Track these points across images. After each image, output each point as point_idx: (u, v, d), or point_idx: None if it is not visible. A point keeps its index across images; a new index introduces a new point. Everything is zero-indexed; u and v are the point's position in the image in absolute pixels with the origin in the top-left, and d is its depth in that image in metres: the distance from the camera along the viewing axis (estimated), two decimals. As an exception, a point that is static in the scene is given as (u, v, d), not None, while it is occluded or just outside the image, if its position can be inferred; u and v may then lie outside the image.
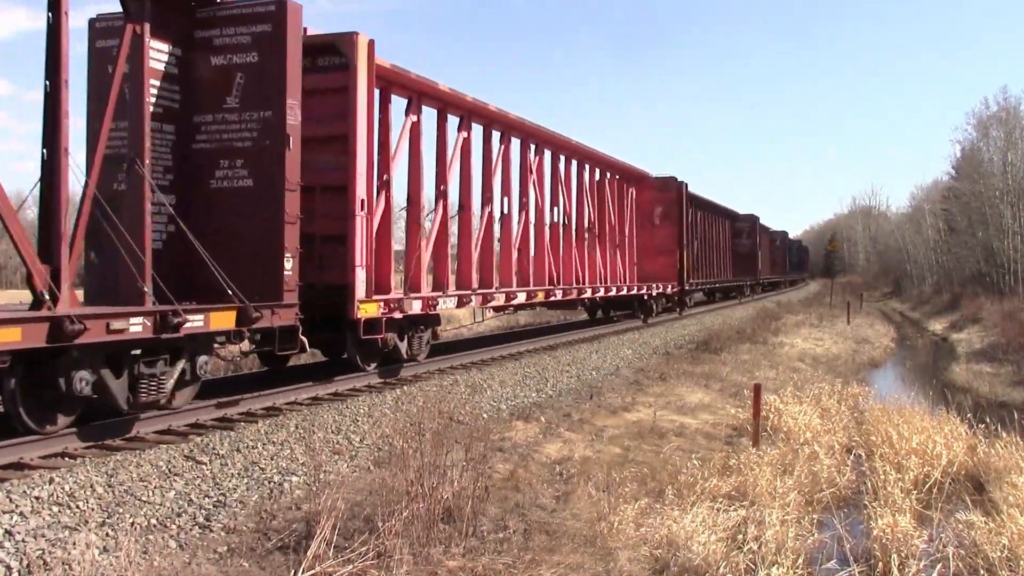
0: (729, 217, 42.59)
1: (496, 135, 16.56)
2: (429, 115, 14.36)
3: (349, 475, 7.90)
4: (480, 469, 7.28)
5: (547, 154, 19.13)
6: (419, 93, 13.58)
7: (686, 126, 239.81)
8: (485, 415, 10.81)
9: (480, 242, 16.03)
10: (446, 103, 14.59)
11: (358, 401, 10.78)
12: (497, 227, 17.00)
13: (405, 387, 12.05)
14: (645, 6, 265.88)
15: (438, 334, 14.29)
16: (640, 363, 17.71)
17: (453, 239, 15.44)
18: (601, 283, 22.19)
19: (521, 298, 17.08)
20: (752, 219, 47.60)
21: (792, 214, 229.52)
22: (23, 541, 5.65)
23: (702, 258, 33.53)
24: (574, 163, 21.01)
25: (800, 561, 6.88)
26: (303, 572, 5.47)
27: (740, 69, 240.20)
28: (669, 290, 26.86)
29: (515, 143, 17.55)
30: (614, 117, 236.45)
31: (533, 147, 18.39)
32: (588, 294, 20.70)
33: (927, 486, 9.30)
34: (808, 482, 9.42)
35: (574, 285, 20.00)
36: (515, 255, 17.36)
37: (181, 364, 8.78)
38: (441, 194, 14.69)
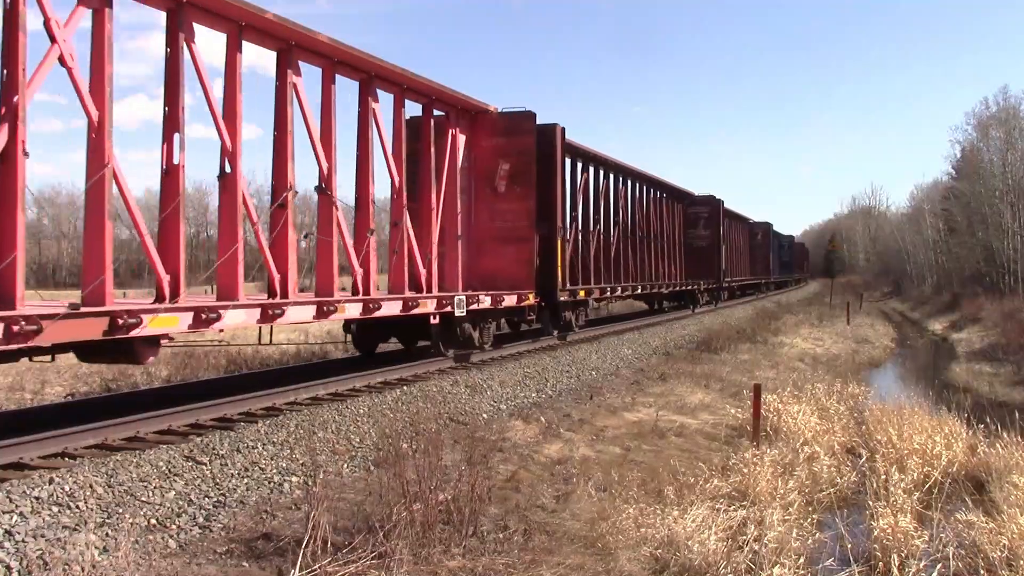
0: (678, 198, 31.38)
1: None
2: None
3: (349, 476, 7.91)
4: (480, 470, 7.28)
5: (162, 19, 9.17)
6: None
7: (684, 127, 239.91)
8: (485, 415, 10.81)
9: None
10: None
11: (358, 401, 10.78)
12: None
13: (405, 387, 12.04)
14: (642, 3, 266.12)
15: None
16: (640, 363, 17.72)
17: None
18: (351, 291, 12.15)
19: None
20: (712, 202, 35.76)
21: (792, 214, 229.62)
22: (23, 541, 5.65)
23: (625, 253, 23.45)
24: (268, 56, 10.67)
25: (801, 561, 6.87)
26: (302, 572, 5.47)
27: (739, 69, 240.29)
28: (516, 302, 15.80)
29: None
30: (611, 116, 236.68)
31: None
32: (200, 321, 8.97)
33: (927, 486, 9.30)
34: (808, 482, 9.42)
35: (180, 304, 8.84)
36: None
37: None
38: None
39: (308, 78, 11.21)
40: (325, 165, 11.45)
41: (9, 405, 11.75)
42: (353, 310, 11.69)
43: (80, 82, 7.97)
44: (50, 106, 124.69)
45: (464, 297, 14.09)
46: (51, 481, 6.66)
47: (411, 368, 13.54)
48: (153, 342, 8.63)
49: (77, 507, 6.32)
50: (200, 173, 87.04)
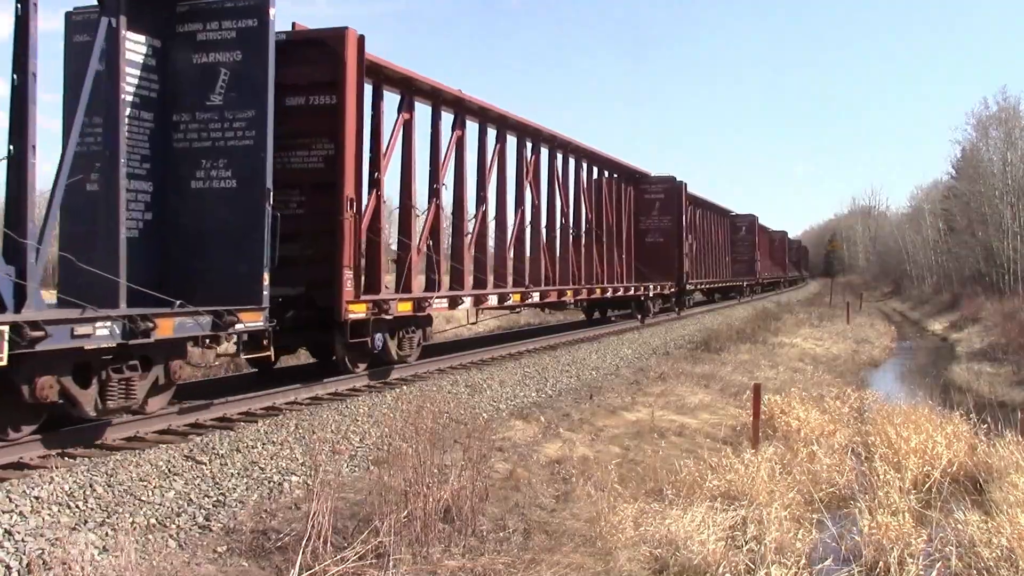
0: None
1: None
2: None
3: (349, 475, 7.91)
4: (479, 469, 7.28)
5: None
6: None
7: (685, 126, 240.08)
8: (484, 415, 10.81)
9: None
10: None
11: (358, 401, 10.78)
12: None
13: (405, 387, 12.03)
14: (645, 4, 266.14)
15: None
16: (640, 363, 17.71)
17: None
18: None
19: None
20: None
21: (792, 214, 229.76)
22: (23, 541, 5.65)
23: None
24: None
25: (800, 561, 6.87)
26: (302, 572, 5.47)
27: (739, 69, 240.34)
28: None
29: None
30: (614, 116, 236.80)
31: None
32: None
33: (927, 486, 9.30)
34: (808, 482, 9.41)
35: None
36: None
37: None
38: None
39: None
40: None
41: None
42: None
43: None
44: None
45: None
46: (51, 481, 6.66)
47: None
48: None
49: (77, 507, 6.32)
50: None
